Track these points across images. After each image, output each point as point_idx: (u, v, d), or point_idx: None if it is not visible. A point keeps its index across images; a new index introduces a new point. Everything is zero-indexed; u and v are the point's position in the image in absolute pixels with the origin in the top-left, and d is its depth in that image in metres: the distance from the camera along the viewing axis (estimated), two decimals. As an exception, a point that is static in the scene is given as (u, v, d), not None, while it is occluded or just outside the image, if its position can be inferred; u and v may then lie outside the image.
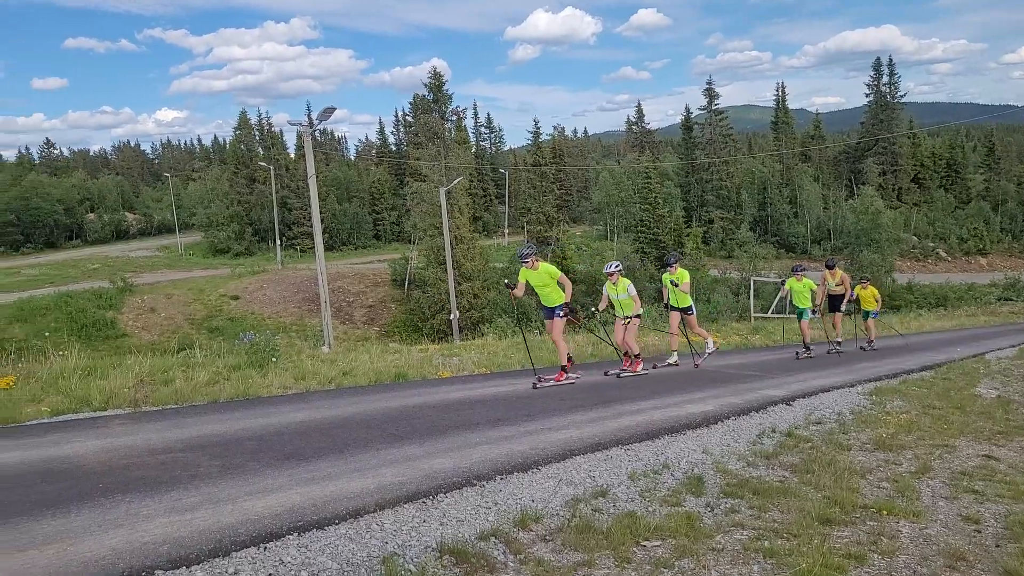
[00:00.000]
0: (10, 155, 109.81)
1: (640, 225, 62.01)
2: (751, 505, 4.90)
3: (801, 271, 14.71)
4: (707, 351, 12.36)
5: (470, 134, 79.94)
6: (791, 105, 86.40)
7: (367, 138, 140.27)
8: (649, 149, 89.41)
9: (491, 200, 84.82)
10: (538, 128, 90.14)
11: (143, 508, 4.19)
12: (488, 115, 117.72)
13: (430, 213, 44.14)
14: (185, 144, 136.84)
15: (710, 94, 76.38)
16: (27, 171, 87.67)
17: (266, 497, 4.49)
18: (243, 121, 74.29)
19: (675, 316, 11.96)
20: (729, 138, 79.11)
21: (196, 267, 60.23)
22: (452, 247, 34.12)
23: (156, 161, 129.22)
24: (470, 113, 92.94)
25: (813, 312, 14.67)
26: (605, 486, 5.20)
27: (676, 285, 11.60)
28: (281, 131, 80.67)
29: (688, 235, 61.63)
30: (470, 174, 61.95)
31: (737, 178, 75.88)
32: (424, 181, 47.23)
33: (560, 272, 9.65)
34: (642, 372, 10.62)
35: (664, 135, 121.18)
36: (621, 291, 10.46)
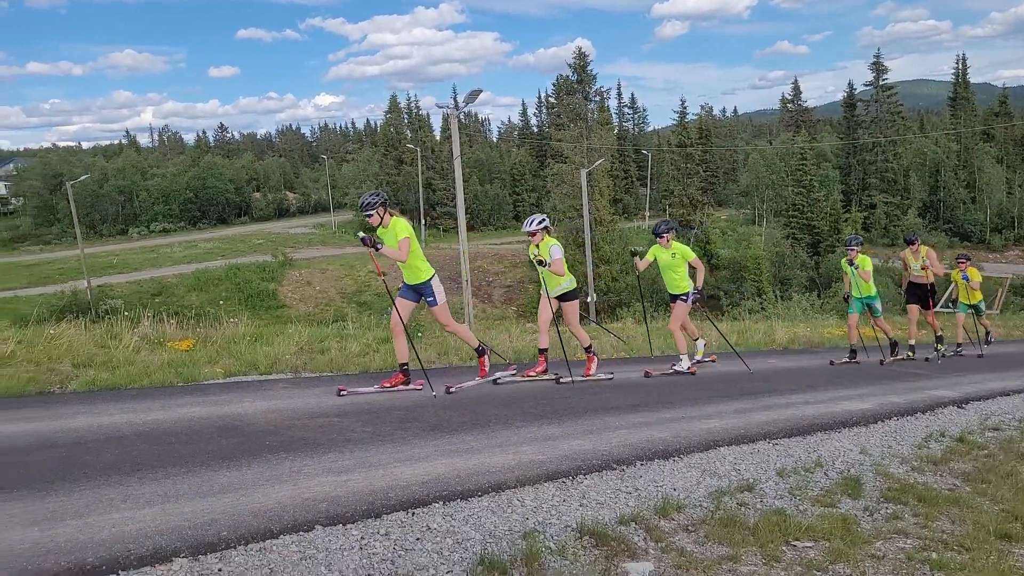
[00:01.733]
0: (190, 139, 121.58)
1: (792, 209, 58.71)
2: (916, 513, 4.52)
3: (856, 245, 10.65)
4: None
5: (613, 115, 78.92)
6: (972, 79, 78.19)
7: (509, 120, 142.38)
8: (805, 128, 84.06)
9: (632, 182, 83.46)
10: (684, 107, 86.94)
11: (304, 467, 4.50)
12: (632, 95, 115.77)
13: (570, 195, 44.14)
14: (340, 127, 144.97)
15: (877, 68, 70.51)
16: (204, 153, 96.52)
17: (413, 465, 4.68)
18: (393, 105, 77.54)
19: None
20: (898, 116, 72.71)
21: (347, 244, 63.90)
22: (591, 229, 33.94)
23: (314, 143, 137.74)
24: (613, 93, 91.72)
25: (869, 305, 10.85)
26: (751, 480, 4.99)
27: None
28: (428, 114, 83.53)
29: (847, 220, 57.56)
30: (612, 155, 61.18)
31: (905, 159, 69.74)
32: (565, 163, 47.22)
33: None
34: (604, 376, 8.29)
35: (822, 113, 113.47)
36: (544, 254, 7.70)
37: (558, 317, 8.34)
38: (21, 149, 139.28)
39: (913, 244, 11.58)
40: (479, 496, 4.24)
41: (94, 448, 4.63)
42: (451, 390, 7.02)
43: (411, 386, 7.03)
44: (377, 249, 6.59)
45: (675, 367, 8.98)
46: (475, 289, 24.49)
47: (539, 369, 8.05)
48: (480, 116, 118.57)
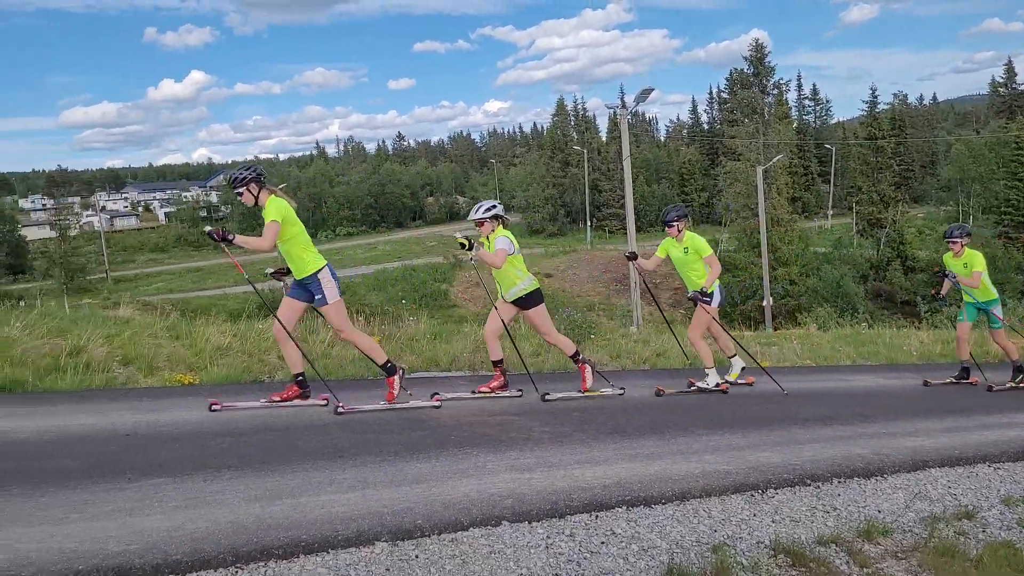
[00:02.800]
0: (371, 148, 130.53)
1: (1005, 205, 52.27)
2: None
3: (961, 236, 8.34)
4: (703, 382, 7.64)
5: (792, 108, 74.25)
6: None
7: (678, 118, 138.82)
8: (1021, 114, 74.59)
9: (813, 179, 78.23)
10: (875, 97, 79.85)
11: (488, 463, 4.62)
12: (813, 85, 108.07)
13: (744, 193, 42.22)
14: (508, 132, 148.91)
15: (1112, 41, 60.92)
16: (383, 161, 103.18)
17: (594, 468, 4.65)
18: (560, 107, 78.35)
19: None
20: None
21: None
22: (767, 229, 32.21)
23: (483, 148, 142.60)
24: (793, 85, 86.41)
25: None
26: (971, 507, 4.45)
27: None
28: (594, 115, 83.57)
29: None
30: (790, 151, 57.74)
31: None
32: (739, 160, 45.25)
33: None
34: (610, 391, 6.99)
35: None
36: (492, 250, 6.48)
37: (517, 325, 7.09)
38: (229, 162, 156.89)
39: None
40: (663, 504, 4.11)
41: (300, 434, 5.03)
42: (340, 410, 5.60)
43: (310, 400, 5.87)
44: (229, 242, 5.34)
45: (698, 384, 7.48)
46: (641, 291, 24.10)
47: (494, 384, 6.68)
48: (647, 115, 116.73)
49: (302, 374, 5.89)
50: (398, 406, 5.89)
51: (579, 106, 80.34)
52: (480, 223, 6.50)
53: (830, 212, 70.91)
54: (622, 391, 6.98)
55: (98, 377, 6.49)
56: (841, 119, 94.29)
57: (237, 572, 3.01)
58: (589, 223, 64.22)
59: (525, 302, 6.73)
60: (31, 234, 70.28)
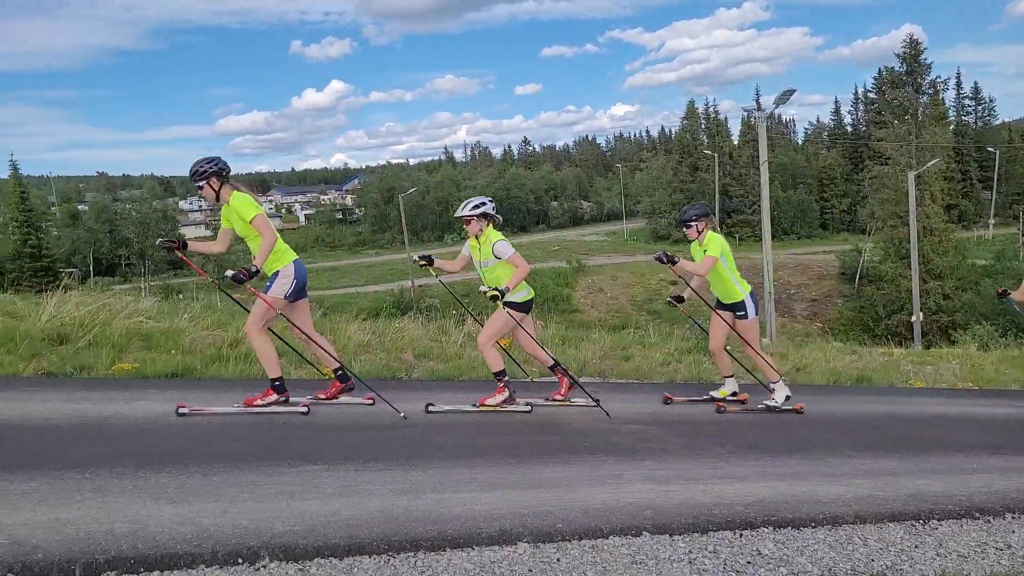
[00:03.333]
0: (497, 153, 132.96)
1: None
2: None
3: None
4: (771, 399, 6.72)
5: (949, 108, 68.44)
6: None
7: (818, 120, 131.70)
8: None
9: (972, 185, 71.81)
10: (1046, 95, 72.29)
11: (623, 472, 4.57)
12: (975, 84, 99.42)
13: (892, 200, 39.47)
14: (634, 136, 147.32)
15: None
16: (509, 166, 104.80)
17: (734, 484, 4.49)
18: (690, 110, 76.45)
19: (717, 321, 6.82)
20: None
21: (639, 252, 64.49)
22: (919, 239, 29.91)
23: (608, 153, 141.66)
24: (951, 83, 79.84)
25: None
26: None
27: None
28: (725, 118, 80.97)
29: None
30: (947, 154, 53.34)
31: None
32: (887, 164, 42.36)
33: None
34: (582, 402, 6.26)
35: None
36: (486, 254, 5.94)
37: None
38: (364, 167, 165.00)
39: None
40: (812, 527, 3.91)
41: (441, 430, 5.20)
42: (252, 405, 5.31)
43: (354, 398, 5.79)
44: (183, 247, 5.28)
45: (766, 402, 6.58)
46: (775, 302, 23.05)
47: (499, 399, 5.98)
48: (784, 117, 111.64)
49: (340, 368, 5.71)
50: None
51: (710, 109, 77.99)
52: (467, 221, 5.99)
53: (992, 221, 64.87)
54: (596, 403, 6.11)
55: (256, 367, 6.99)
56: (1006, 120, 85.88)
57: (389, 560, 3.15)
58: (718, 230, 62.11)
59: (517, 306, 6.00)
60: (189, 233, 76.97)
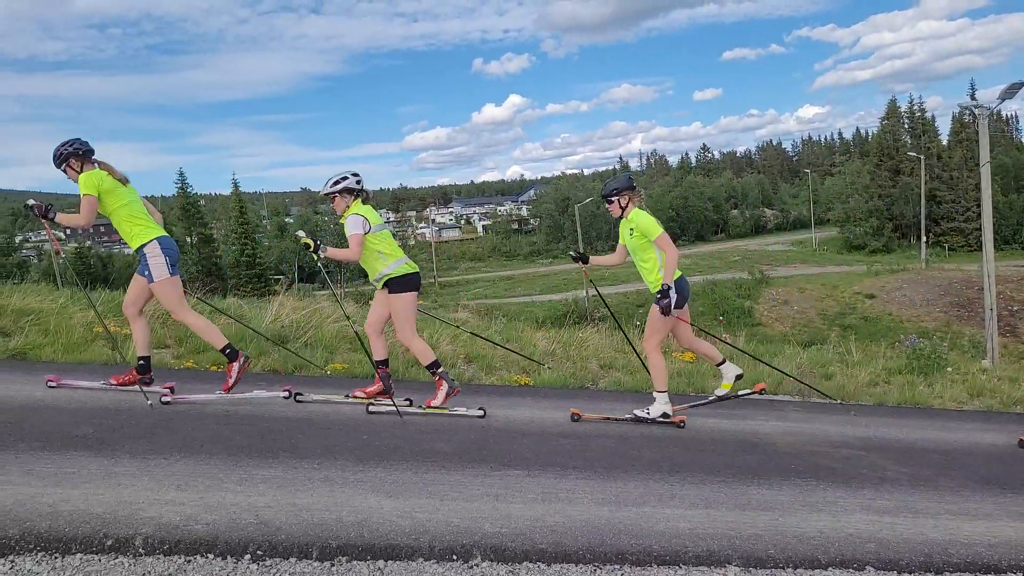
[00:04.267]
0: (674, 160, 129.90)
1: None
2: None
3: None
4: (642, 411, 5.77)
5: None
6: None
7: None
8: None
9: None
10: None
11: (839, 499, 4.23)
12: None
13: None
14: (825, 139, 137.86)
15: None
16: (686, 174, 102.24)
17: (973, 522, 4.00)
18: (891, 109, 70.12)
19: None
20: None
21: (829, 263, 60.09)
22: None
23: (795, 158, 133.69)
24: None
25: None
26: None
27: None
28: (932, 116, 73.32)
29: None
30: None
31: None
32: None
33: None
34: (469, 412, 5.51)
35: None
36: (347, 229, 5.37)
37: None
38: (539, 178, 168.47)
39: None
40: (1078, 580, 3.38)
41: (637, 443, 5.12)
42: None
43: (265, 393, 5.42)
44: (49, 218, 5.05)
45: (636, 412, 5.73)
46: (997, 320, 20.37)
47: (372, 389, 5.64)
48: (1004, 113, 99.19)
49: (146, 358, 5.33)
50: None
51: (914, 107, 71.08)
52: (331, 197, 5.49)
53: None
54: (481, 413, 5.52)
55: (449, 372, 7.33)
56: None
57: (595, 570, 3.13)
58: (924, 238, 56.41)
59: (390, 287, 5.46)
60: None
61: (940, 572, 3.38)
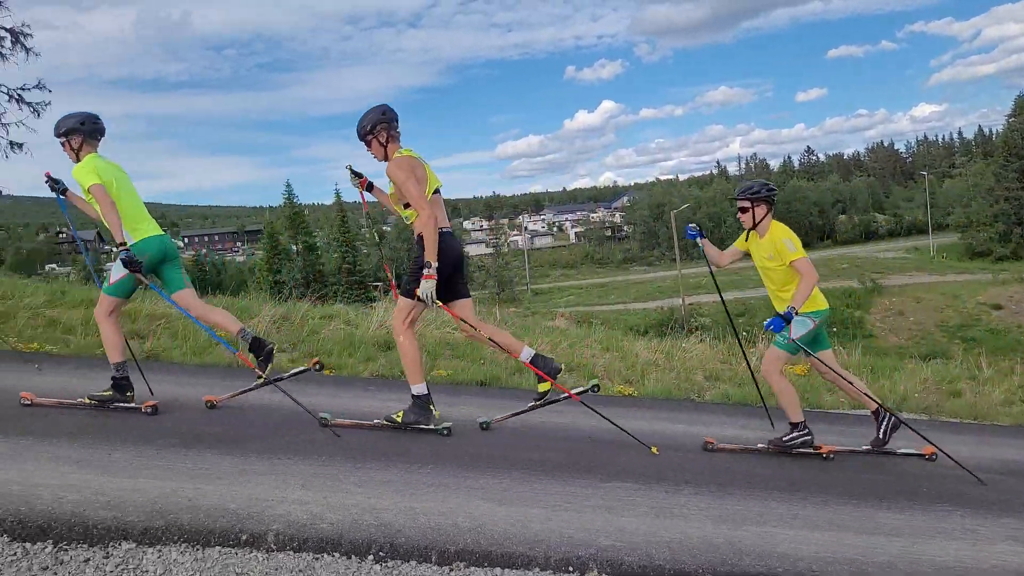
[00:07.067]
0: (775, 164, 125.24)
1: None
2: None
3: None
4: None
5: None
6: None
7: None
8: None
9: None
10: None
11: (978, 527, 3.93)
12: None
13: None
14: (942, 139, 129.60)
15: None
16: (788, 178, 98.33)
17: None
18: (1020, 106, 65.09)
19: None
20: None
21: (949, 270, 56.34)
22: None
23: (909, 159, 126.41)
24: None
25: None
26: None
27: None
28: (1067, 112, 67.40)
29: None
30: None
31: None
32: None
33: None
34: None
35: None
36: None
37: None
38: (632, 184, 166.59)
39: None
40: None
41: (750, 460, 4.94)
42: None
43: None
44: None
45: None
46: None
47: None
48: None
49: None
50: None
51: (1051, 102, 65.60)
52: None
53: None
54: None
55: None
56: None
57: (716, 591, 3.03)
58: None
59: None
60: (472, 251, 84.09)
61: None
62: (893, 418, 5.18)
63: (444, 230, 4.58)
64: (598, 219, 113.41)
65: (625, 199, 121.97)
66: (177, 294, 4.85)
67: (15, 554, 2.87)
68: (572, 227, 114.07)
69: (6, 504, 3.10)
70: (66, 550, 2.92)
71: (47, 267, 65.12)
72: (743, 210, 5.08)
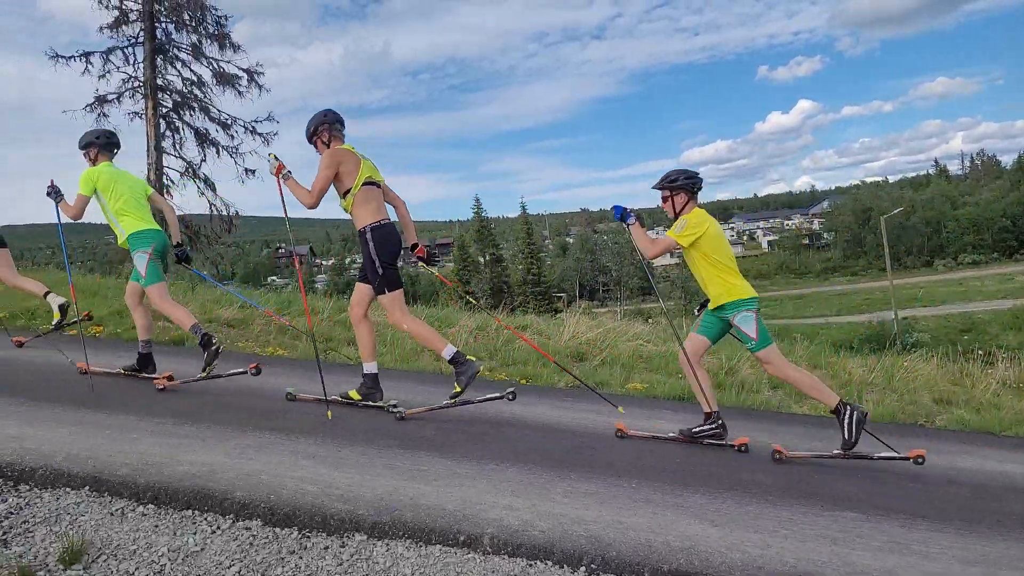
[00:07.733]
0: (1007, 160, 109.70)
1: None
2: None
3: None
4: None
5: None
6: None
7: None
8: None
9: None
10: None
11: None
12: None
13: None
14: None
15: None
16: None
17: None
18: None
19: None
20: None
21: None
22: None
23: None
24: None
25: None
26: None
27: None
28: None
29: None
30: None
31: None
32: None
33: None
34: None
35: None
36: None
37: None
38: (832, 188, 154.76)
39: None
40: None
41: (998, 495, 4.34)
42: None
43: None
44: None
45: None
46: None
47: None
48: None
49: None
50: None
51: None
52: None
53: None
54: None
55: (753, 398, 6.94)
56: None
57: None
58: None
59: None
60: (658, 263, 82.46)
61: None
62: (856, 412, 4.66)
63: (383, 223, 4.94)
64: (794, 226, 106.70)
65: (825, 204, 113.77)
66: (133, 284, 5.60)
67: (267, 537, 3.20)
68: (764, 235, 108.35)
69: (257, 492, 3.47)
70: (309, 537, 3.20)
71: (269, 279, 73.22)
72: (664, 199, 5.09)
